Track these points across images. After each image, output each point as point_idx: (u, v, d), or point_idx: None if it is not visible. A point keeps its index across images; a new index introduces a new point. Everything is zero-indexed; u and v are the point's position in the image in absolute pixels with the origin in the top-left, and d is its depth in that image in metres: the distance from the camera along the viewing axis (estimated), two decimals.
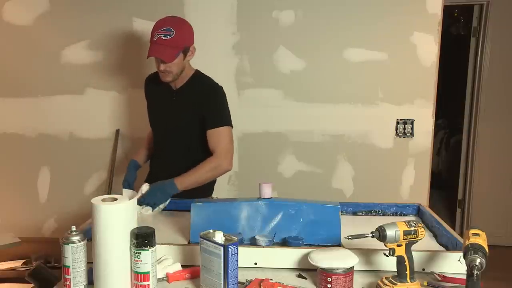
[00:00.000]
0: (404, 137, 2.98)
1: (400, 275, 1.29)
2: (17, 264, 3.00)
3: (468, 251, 1.18)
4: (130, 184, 2.14)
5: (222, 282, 1.24)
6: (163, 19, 2.08)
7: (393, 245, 1.29)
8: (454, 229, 1.84)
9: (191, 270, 1.41)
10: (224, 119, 2.13)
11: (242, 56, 2.97)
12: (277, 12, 2.92)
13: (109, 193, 2.77)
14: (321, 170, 3.04)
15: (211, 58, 2.97)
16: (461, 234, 1.96)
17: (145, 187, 1.95)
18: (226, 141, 2.09)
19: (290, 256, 1.46)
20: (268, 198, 1.66)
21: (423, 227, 1.33)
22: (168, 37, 2.00)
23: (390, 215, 2.00)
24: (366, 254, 1.44)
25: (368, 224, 1.62)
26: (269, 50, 2.96)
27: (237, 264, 1.26)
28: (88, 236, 1.32)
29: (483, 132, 4.19)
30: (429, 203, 2.92)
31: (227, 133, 2.10)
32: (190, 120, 2.13)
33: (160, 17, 2.96)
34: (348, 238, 1.35)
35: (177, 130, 2.17)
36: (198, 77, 2.18)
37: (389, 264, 1.36)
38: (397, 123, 2.97)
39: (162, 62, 2.03)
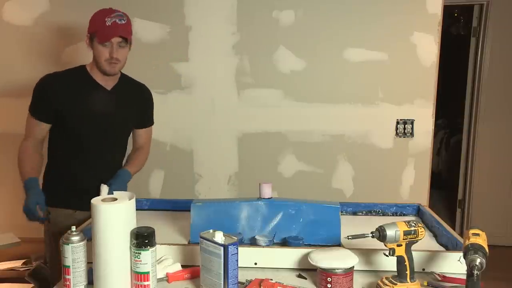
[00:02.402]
0: (404, 137, 2.97)
1: (400, 275, 1.29)
2: (17, 264, 3.00)
3: (468, 251, 1.18)
4: (42, 205, 1.88)
5: (222, 282, 1.24)
6: (106, 9, 1.96)
7: (393, 245, 1.29)
8: (454, 229, 1.84)
9: (191, 270, 1.41)
10: (153, 117, 2.26)
11: (242, 56, 2.97)
12: (277, 12, 2.92)
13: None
14: (321, 170, 3.04)
15: (211, 58, 2.98)
16: (461, 234, 1.96)
17: (105, 188, 1.83)
18: (151, 138, 2.27)
19: (290, 256, 1.46)
20: (268, 198, 1.66)
21: (423, 227, 1.33)
22: (123, 22, 1.92)
23: (390, 215, 2.00)
24: (366, 254, 1.44)
25: (368, 224, 1.62)
26: (269, 50, 2.96)
27: (237, 264, 1.26)
28: (88, 236, 1.32)
29: (483, 132, 4.19)
30: (429, 203, 2.92)
31: (152, 130, 2.27)
32: (127, 119, 2.13)
33: (160, 17, 3.00)
34: (348, 238, 1.35)
35: (113, 131, 2.09)
36: (125, 76, 2.13)
37: (389, 264, 1.36)
38: (397, 123, 2.97)
39: (120, 47, 1.94)
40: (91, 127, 2.01)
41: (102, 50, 1.93)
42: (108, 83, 2.04)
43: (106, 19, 1.91)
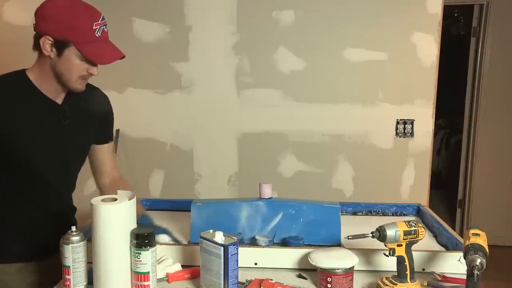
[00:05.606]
0: (404, 137, 2.98)
1: (400, 275, 1.29)
2: None
3: (469, 251, 1.18)
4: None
5: (222, 282, 1.24)
6: (85, 5, 1.43)
7: (393, 245, 1.29)
8: (454, 229, 1.84)
9: (191, 270, 1.41)
10: (113, 131, 1.79)
11: (242, 56, 2.97)
12: (277, 12, 2.92)
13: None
14: (321, 170, 3.04)
15: (211, 58, 2.98)
16: (461, 234, 1.96)
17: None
18: (115, 161, 1.80)
19: (290, 256, 1.46)
20: (268, 198, 1.66)
21: (423, 227, 1.33)
22: (107, 28, 1.49)
23: (390, 215, 2.00)
24: (366, 254, 1.44)
25: (368, 224, 1.62)
26: (269, 50, 2.96)
27: (237, 264, 1.26)
28: (88, 236, 1.32)
29: (483, 132, 4.19)
30: (429, 203, 2.92)
31: (112, 148, 1.80)
32: (86, 137, 1.66)
33: (160, 17, 3.00)
34: (348, 238, 1.35)
35: (69, 155, 1.60)
36: None
37: (389, 264, 1.36)
38: (397, 123, 2.97)
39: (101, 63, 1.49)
40: (41, 154, 1.50)
41: (80, 65, 1.43)
42: (58, 96, 1.52)
43: (94, 28, 1.41)
